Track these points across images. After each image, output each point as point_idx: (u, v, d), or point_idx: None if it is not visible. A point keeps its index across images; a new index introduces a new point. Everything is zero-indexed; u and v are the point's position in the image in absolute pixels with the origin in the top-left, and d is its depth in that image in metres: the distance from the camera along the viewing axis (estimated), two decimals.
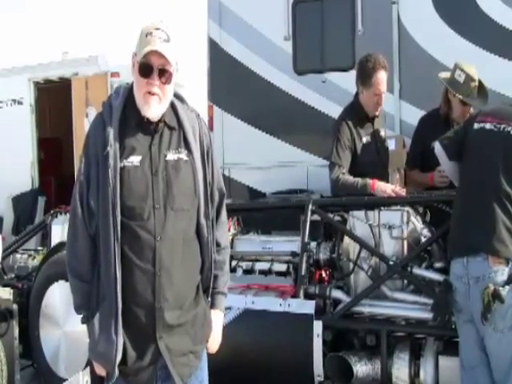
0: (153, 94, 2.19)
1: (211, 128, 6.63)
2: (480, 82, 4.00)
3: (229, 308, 3.40)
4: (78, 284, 2.24)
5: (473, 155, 2.95)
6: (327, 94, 5.95)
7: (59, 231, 4.40)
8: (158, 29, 2.18)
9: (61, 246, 4.01)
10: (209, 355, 2.42)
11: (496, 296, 2.66)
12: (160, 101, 2.21)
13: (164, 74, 2.20)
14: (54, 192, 9.94)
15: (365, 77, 3.89)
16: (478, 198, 2.84)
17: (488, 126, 2.89)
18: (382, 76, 3.88)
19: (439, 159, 3.20)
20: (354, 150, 3.87)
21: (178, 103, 2.32)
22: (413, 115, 5.72)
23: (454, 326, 3.17)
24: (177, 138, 2.27)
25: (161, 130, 2.26)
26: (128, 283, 2.16)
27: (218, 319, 2.42)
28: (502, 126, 2.86)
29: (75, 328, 3.77)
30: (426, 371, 3.17)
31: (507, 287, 2.69)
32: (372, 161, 3.95)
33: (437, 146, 3.16)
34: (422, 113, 5.32)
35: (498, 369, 2.75)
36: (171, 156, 2.24)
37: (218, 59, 6.73)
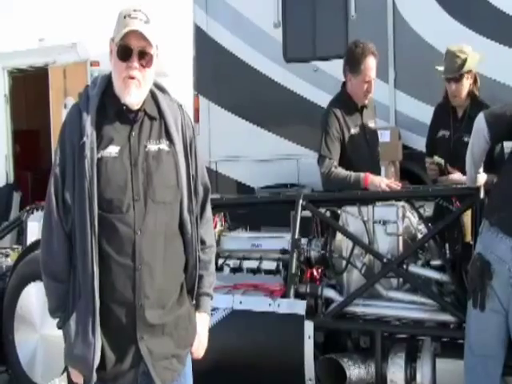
0: (132, 78, 2.17)
1: (197, 119, 6.63)
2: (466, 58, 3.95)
3: (215, 309, 3.38)
4: (54, 285, 2.22)
5: None
6: (319, 83, 5.96)
7: (35, 228, 4.37)
8: (136, 10, 2.17)
9: (37, 243, 3.98)
10: (194, 360, 2.41)
11: None
12: (140, 85, 2.19)
13: (144, 56, 2.18)
14: (31, 187, 9.88)
15: (353, 63, 3.89)
16: None
17: None
18: (371, 62, 3.88)
19: (474, 131, 2.93)
20: (342, 142, 3.87)
21: (159, 93, 2.31)
22: (409, 105, 5.76)
23: (452, 326, 3.18)
24: (158, 128, 2.26)
25: (141, 119, 2.25)
26: (106, 280, 2.15)
27: (203, 322, 2.41)
28: None
29: (52, 332, 3.71)
30: (423, 374, 3.17)
31: None
32: (361, 154, 3.95)
33: (480, 119, 2.88)
34: (419, 103, 5.35)
35: None
36: (152, 147, 2.23)
37: (204, 47, 6.72)
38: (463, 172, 3.53)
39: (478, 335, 2.78)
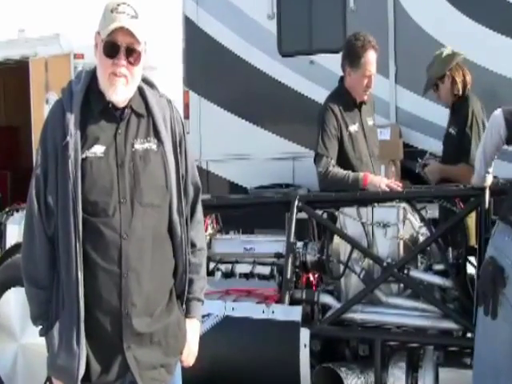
0: (119, 76, 2.17)
1: (187, 116, 6.62)
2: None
3: (206, 315, 3.39)
4: (35, 291, 2.22)
5: None
6: (315, 77, 5.96)
7: (15, 231, 4.36)
8: (124, 3, 2.17)
9: (17, 247, 3.97)
10: (184, 369, 2.41)
11: None
12: (127, 83, 2.20)
13: (132, 53, 2.18)
14: (10, 187, 9.85)
15: (353, 57, 3.90)
16: None
17: None
18: (372, 56, 3.90)
19: (489, 126, 2.92)
20: (340, 139, 3.88)
21: (146, 88, 2.31)
22: (410, 102, 5.76)
23: (455, 335, 3.20)
24: (145, 126, 2.26)
25: (127, 116, 2.25)
26: (91, 287, 2.14)
27: (193, 329, 2.41)
28: None
29: (34, 340, 3.72)
30: None
31: None
32: (360, 152, 3.96)
33: (498, 115, 2.86)
34: (421, 99, 5.35)
35: None
36: (139, 146, 2.22)
37: (195, 40, 6.70)
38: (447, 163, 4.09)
39: (489, 345, 2.73)
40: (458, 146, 4.25)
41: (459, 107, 4.31)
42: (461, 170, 4.09)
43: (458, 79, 4.29)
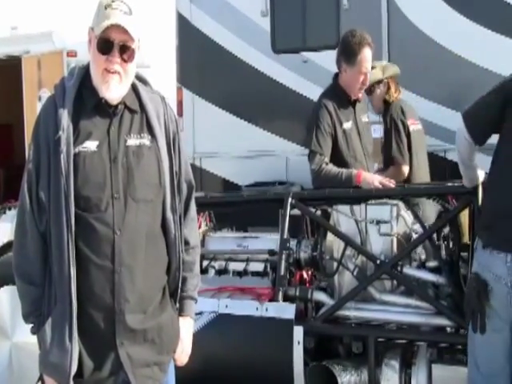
0: (113, 73, 2.17)
1: (180, 113, 6.61)
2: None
3: (199, 313, 3.38)
4: (28, 288, 2.21)
5: None
6: (309, 75, 5.96)
7: (8, 229, 4.35)
8: (118, 0, 2.16)
9: (9, 245, 3.97)
10: (177, 367, 2.41)
11: None
12: (121, 80, 2.20)
13: (126, 50, 2.19)
14: (3, 185, 9.82)
15: (349, 54, 3.90)
16: None
17: None
18: (368, 53, 3.91)
19: (456, 133, 2.92)
20: (334, 137, 3.88)
21: (140, 85, 2.31)
22: (404, 99, 5.74)
23: (449, 331, 3.20)
24: (139, 122, 2.26)
25: (120, 112, 2.24)
26: (84, 283, 2.14)
27: (187, 327, 2.41)
28: None
29: (26, 338, 3.71)
30: (418, 382, 3.18)
31: None
32: (354, 149, 3.96)
33: (460, 120, 2.87)
34: (414, 96, 5.36)
35: None
36: (132, 141, 2.22)
37: (188, 37, 6.69)
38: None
39: (484, 352, 2.76)
40: (384, 150, 4.57)
41: (384, 114, 4.58)
42: (390, 173, 4.29)
43: (392, 88, 4.57)
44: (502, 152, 2.78)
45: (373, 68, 4.23)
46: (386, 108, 4.58)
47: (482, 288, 2.68)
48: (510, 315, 2.65)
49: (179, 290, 2.35)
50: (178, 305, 2.37)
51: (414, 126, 4.51)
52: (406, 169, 4.39)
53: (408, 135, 4.43)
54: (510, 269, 2.62)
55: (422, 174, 4.48)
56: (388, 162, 4.48)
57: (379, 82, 4.56)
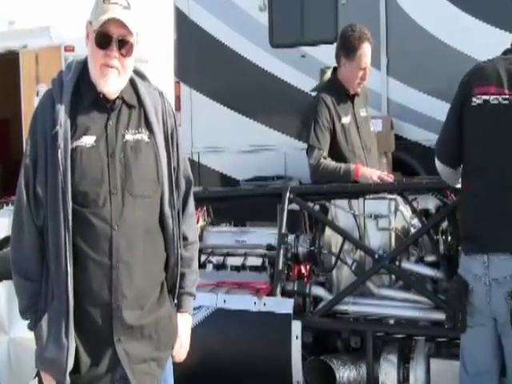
0: (111, 67, 2.16)
1: (178, 108, 6.61)
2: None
3: (197, 308, 3.38)
4: (25, 284, 2.20)
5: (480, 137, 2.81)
6: (307, 69, 5.95)
7: (5, 224, 4.33)
8: None
9: (6, 241, 3.95)
10: (175, 363, 2.40)
11: None
12: (119, 75, 2.18)
13: (124, 45, 2.17)
14: (1, 180, 9.81)
15: (349, 48, 3.89)
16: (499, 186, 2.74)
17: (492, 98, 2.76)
18: (367, 48, 3.89)
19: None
20: (332, 131, 3.87)
21: (138, 80, 2.30)
22: (402, 93, 5.76)
23: (447, 326, 3.20)
24: (137, 117, 2.25)
25: (118, 107, 2.23)
26: (81, 279, 2.13)
27: (185, 323, 2.40)
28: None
29: (23, 334, 3.70)
30: (416, 376, 3.19)
31: None
32: (352, 144, 3.96)
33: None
34: (413, 91, 5.36)
35: None
36: (130, 136, 2.21)
37: (186, 31, 6.68)
38: None
39: (471, 353, 2.84)
40: None
41: None
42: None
43: None
44: (467, 162, 2.87)
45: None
46: None
47: (463, 288, 2.78)
48: (491, 312, 2.73)
49: (177, 286, 2.34)
50: (176, 301, 2.36)
51: None
52: None
53: None
54: (487, 268, 2.71)
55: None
56: None
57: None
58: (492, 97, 2.76)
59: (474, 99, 2.80)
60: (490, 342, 2.77)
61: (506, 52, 2.89)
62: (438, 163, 2.97)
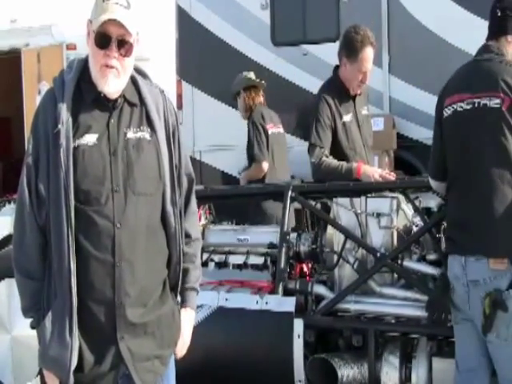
0: (111, 67, 2.17)
1: (180, 106, 6.61)
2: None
3: (199, 306, 3.37)
4: (27, 282, 2.20)
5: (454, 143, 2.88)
6: (309, 67, 5.96)
7: (7, 222, 4.33)
8: None
9: (8, 239, 3.95)
10: (176, 360, 2.40)
11: (498, 304, 2.62)
12: (119, 75, 2.19)
13: (123, 45, 2.18)
14: (2, 179, 9.81)
15: (351, 50, 3.88)
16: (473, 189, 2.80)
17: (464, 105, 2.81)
18: (369, 52, 3.88)
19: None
20: (334, 130, 3.87)
21: (139, 78, 2.30)
22: (404, 92, 5.76)
23: (449, 325, 3.20)
24: (138, 115, 2.25)
25: (120, 105, 2.24)
26: (84, 277, 2.13)
27: (188, 318, 2.40)
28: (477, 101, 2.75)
29: (25, 332, 3.70)
30: (419, 375, 3.18)
31: None
32: (353, 142, 3.95)
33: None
34: (415, 89, 5.35)
35: (504, 378, 2.73)
36: (132, 135, 2.21)
37: (188, 30, 6.68)
38: None
39: (461, 349, 2.88)
40: (247, 150, 5.33)
41: (248, 119, 5.39)
42: (252, 169, 5.30)
43: (247, 100, 5.39)
44: (448, 170, 2.92)
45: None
46: (250, 114, 5.39)
47: (446, 287, 2.86)
48: (472, 310, 2.76)
49: (180, 283, 2.35)
50: (179, 297, 2.37)
51: (273, 130, 5.34)
52: (265, 165, 5.23)
53: (267, 137, 5.24)
54: (465, 269, 2.76)
55: (282, 170, 5.32)
56: (251, 160, 5.28)
57: (237, 93, 5.45)
58: (458, 104, 2.80)
59: (445, 111, 2.87)
60: (476, 339, 2.79)
61: (477, 53, 2.88)
62: (430, 181, 3.06)
